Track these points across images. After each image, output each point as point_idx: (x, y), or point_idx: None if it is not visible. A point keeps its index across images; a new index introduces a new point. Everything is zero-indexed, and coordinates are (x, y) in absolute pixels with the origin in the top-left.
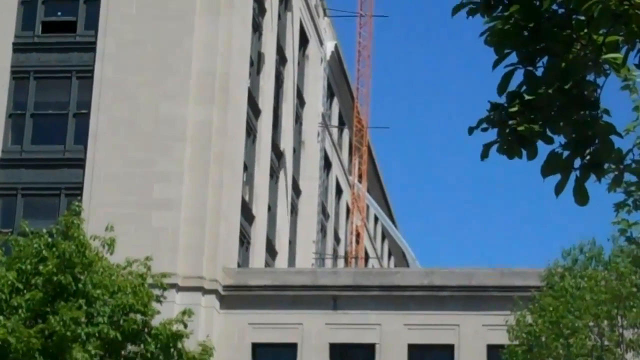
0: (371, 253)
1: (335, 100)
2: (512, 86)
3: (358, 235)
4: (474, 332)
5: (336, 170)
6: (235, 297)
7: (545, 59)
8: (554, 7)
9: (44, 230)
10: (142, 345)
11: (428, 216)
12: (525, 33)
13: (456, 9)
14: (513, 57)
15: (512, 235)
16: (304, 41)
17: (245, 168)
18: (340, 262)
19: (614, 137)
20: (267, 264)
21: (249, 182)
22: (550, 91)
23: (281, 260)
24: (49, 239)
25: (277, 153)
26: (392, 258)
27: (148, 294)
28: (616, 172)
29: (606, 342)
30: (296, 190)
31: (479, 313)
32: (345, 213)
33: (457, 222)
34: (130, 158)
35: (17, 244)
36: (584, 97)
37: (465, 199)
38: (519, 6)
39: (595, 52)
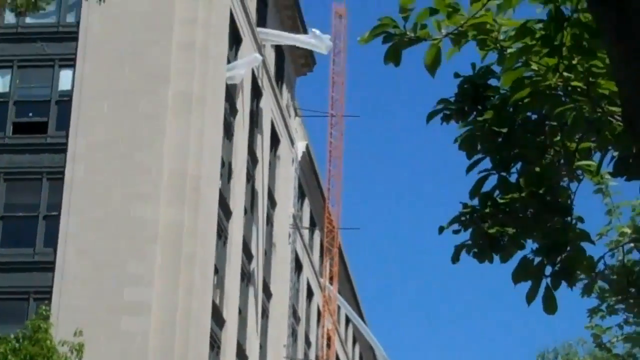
0: (342, 357)
1: (307, 201)
2: (485, 188)
3: (329, 339)
4: None
5: (307, 272)
6: None
7: (518, 164)
8: (528, 113)
9: (11, 335)
10: None
11: (399, 317)
12: (499, 139)
13: (430, 116)
14: (487, 161)
15: (486, 338)
16: (275, 141)
17: (216, 270)
18: None
19: (586, 244)
20: None
21: (219, 284)
22: (523, 195)
23: None
24: (16, 344)
25: (248, 255)
26: None
27: None
28: (587, 280)
29: None
30: (267, 293)
31: None
32: (317, 316)
33: (429, 324)
34: (101, 261)
35: None
36: (557, 203)
37: (438, 300)
38: (492, 112)
39: (568, 159)
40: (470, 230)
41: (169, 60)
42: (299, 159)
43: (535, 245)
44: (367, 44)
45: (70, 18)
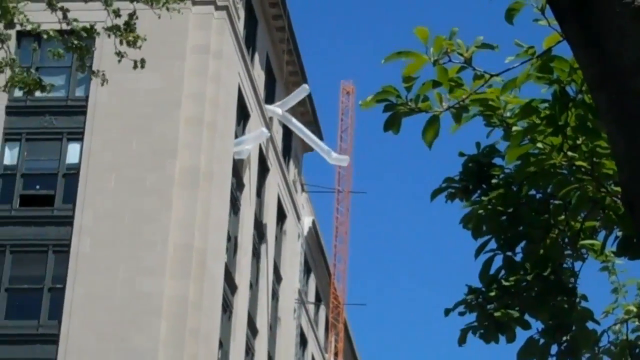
0: None
1: (312, 276)
2: (491, 270)
3: None
4: None
5: (312, 348)
6: None
7: (523, 243)
8: (532, 192)
9: None
10: None
11: None
12: (504, 218)
13: (434, 194)
14: (493, 242)
15: None
16: (281, 216)
17: (221, 345)
18: None
19: (590, 324)
20: None
21: (224, 358)
22: (528, 277)
23: None
24: None
25: (253, 330)
26: None
27: None
28: (590, 355)
29: None
30: None
31: None
32: None
33: None
34: (105, 333)
35: None
36: (561, 284)
37: None
38: (497, 192)
39: (573, 238)
40: (475, 312)
41: (177, 135)
42: (305, 234)
43: (540, 325)
44: (368, 114)
45: (79, 92)
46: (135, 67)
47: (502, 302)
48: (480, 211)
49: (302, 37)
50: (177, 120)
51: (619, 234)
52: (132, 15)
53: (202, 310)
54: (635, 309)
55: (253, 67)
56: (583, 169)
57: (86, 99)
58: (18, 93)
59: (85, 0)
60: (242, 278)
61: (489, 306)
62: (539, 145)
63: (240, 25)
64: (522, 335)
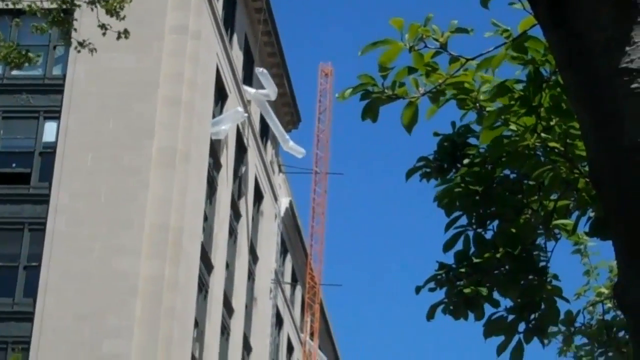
0: None
1: (289, 256)
2: (460, 246)
3: None
4: None
5: (288, 328)
6: None
7: (495, 222)
8: (506, 172)
9: None
10: None
11: None
12: (476, 197)
13: (410, 173)
14: (464, 219)
15: None
16: (258, 197)
17: (196, 324)
18: None
19: (561, 302)
20: None
21: (199, 338)
22: (498, 255)
23: None
24: None
25: (229, 309)
26: None
27: None
28: (565, 335)
29: None
30: (247, 347)
31: None
32: None
33: None
34: (80, 312)
35: None
36: (532, 262)
37: (418, 356)
38: (470, 170)
39: (546, 218)
40: (445, 288)
41: (154, 115)
42: (282, 215)
43: (508, 302)
44: (346, 100)
45: (56, 71)
46: (119, 37)
47: (472, 279)
48: (455, 189)
49: (281, 19)
50: (155, 100)
51: (592, 215)
52: None
53: (178, 290)
54: (606, 291)
55: (231, 48)
56: (556, 150)
57: (63, 77)
58: None
59: None
60: (218, 258)
61: (458, 283)
62: (513, 126)
63: (219, 6)
64: (490, 312)
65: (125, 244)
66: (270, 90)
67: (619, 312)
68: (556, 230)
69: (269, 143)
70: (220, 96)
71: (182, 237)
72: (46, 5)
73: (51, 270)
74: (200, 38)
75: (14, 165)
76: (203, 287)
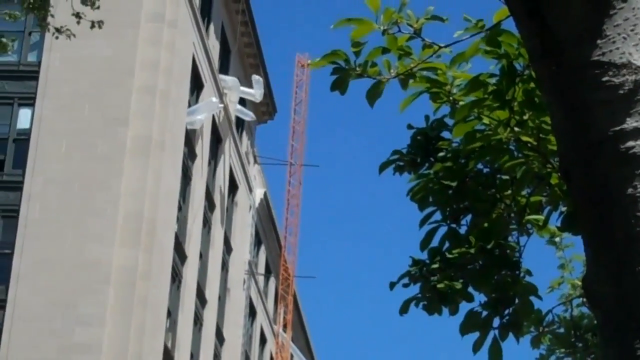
0: None
1: (263, 248)
2: (436, 242)
3: None
4: None
5: (261, 319)
6: None
7: (469, 217)
8: (479, 166)
9: None
10: None
11: None
12: (450, 191)
13: (383, 167)
14: (438, 215)
15: None
16: (233, 187)
17: (169, 314)
18: None
19: (533, 298)
20: None
21: (172, 328)
22: (472, 250)
23: None
24: None
25: (202, 299)
26: None
27: None
28: (534, 333)
29: None
30: (220, 338)
31: None
32: None
33: None
34: (53, 300)
35: None
36: (505, 258)
37: (391, 350)
38: (443, 164)
39: (518, 213)
40: (419, 284)
41: (129, 103)
42: (257, 205)
43: (483, 298)
44: (318, 68)
45: (31, 57)
46: (92, 27)
47: (446, 275)
48: (427, 184)
49: (258, 9)
50: (130, 88)
51: (564, 209)
52: None
53: (151, 280)
54: (581, 284)
55: (208, 38)
56: (529, 145)
57: (38, 64)
58: None
59: None
60: (192, 248)
61: (432, 278)
62: (486, 120)
63: None
64: (465, 308)
65: (98, 232)
66: (257, 93)
67: None
68: (529, 225)
69: (244, 134)
70: (196, 85)
71: (155, 226)
72: None
73: (24, 257)
74: (177, 26)
75: None
76: (176, 277)
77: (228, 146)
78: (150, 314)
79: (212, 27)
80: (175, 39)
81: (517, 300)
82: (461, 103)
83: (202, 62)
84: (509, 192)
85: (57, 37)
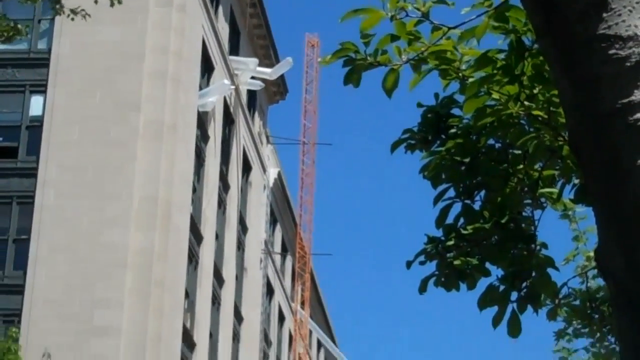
0: None
1: (278, 227)
2: (450, 219)
3: None
4: None
5: (279, 297)
6: None
7: (482, 193)
8: (491, 141)
9: None
10: None
11: (372, 342)
12: (462, 168)
13: (395, 145)
14: (451, 190)
15: None
16: (247, 168)
17: (187, 295)
18: None
19: (550, 270)
20: None
21: (190, 309)
22: (487, 226)
23: None
24: None
25: (219, 280)
26: None
27: None
28: (552, 306)
29: None
30: (238, 317)
31: None
32: (288, 340)
33: (400, 349)
34: (70, 284)
35: None
36: (520, 231)
37: (408, 325)
38: (455, 141)
39: (531, 187)
40: (435, 261)
41: (140, 88)
42: (271, 185)
43: (500, 272)
44: (330, 67)
45: (41, 45)
46: (112, 4)
47: (462, 251)
48: (440, 161)
49: None
50: (141, 73)
51: (576, 182)
52: None
53: (168, 262)
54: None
55: (217, 20)
56: (540, 119)
57: (49, 51)
58: None
59: None
60: (208, 229)
61: (448, 255)
62: (496, 96)
63: None
64: (482, 283)
65: (113, 216)
66: (275, 72)
67: None
68: (542, 199)
69: (256, 114)
70: (207, 68)
71: (170, 209)
72: None
73: (40, 243)
74: (185, 10)
75: (1, 139)
76: (193, 258)
77: (240, 127)
78: (168, 296)
79: (220, 10)
80: (185, 23)
81: (533, 274)
82: (470, 79)
83: (212, 45)
84: (522, 166)
85: (72, 19)
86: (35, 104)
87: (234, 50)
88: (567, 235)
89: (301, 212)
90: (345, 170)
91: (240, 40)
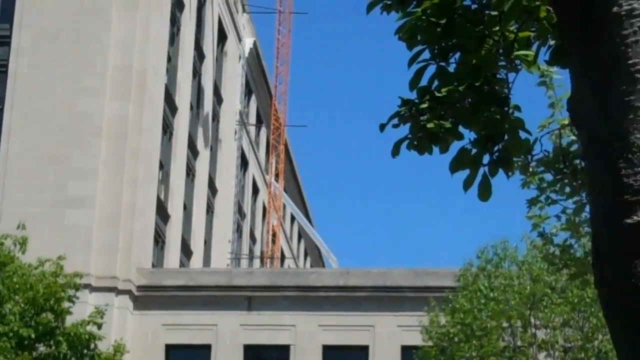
0: (287, 253)
1: (253, 97)
2: (425, 81)
3: (274, 235)
4: (388, 333)
5: (253, 169)
6: (149, 298)
7: (457, 55)
8: (467, 2)
9: None
10: (53, 347)
11: (345, 215)
12: (438, 29)
13: (371, 6)
14: (427, 54)
15: (430, 236)
16: (222, 37)
17: (161, 166)
18: (257, 262)
19: (523, 134)
20: (182, 264)
21: (164, 180)
22: (461, 88)
23: (196, 260)
24: None
25: (194, 151)
26: (308, 258)
27: (58, 291)
28: (524, 162)
29: (519, 343)
30: (212, 189)
31: (393, 314)
32: (262, 212)
33: (374, 222)
34: (45, 154)
35: None
36: (494, 94)
37: (383, 198)
38: (431, 1)
39: (507, 49)
40: (409, 124)
41: None
42: (247, 55)
43: (473, 136)
44: None
45: None
46: None
47: (435, 113)
48: (415, 22)
49: None
50: None
51: (552, 43)
52: None
53: (142, 131)
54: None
55: None
56: None
57: None
58: None
59: None
60: (182, 99)
61: (422, 118)
62: None
63: None
64: (455, 146)
65: (88, 85)
66: None
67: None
68: (517, 62)
69: None
70: None
71: (145, 78)
72: None
73: (14, 112)
74: None
75: None
76: (167, 129)
77: None
78: (143, 166)
79: None
80: None
81: (506, 137)
82: None
83: None
84: (497, 28)
85: None
86: None
87: None
88: (544, 102)
89: (276, 83)
90: (321, 40)
91: None
